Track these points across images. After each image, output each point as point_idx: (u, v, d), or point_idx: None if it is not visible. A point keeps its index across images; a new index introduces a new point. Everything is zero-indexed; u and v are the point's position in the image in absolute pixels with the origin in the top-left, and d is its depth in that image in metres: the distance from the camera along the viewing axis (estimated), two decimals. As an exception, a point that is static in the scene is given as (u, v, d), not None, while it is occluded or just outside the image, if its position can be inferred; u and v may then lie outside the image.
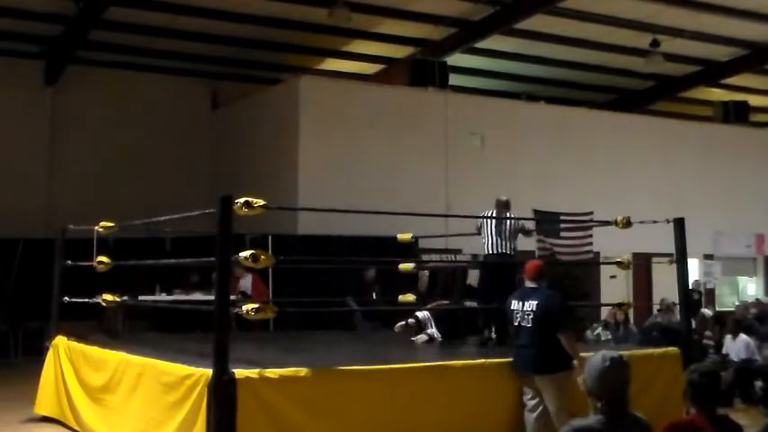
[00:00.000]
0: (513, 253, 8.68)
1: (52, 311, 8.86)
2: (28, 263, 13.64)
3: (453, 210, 13.07)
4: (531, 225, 9.37)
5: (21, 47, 16.24)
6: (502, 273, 8.89)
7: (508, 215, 8.74)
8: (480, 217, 8.75)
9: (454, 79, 17.35)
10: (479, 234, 8.80)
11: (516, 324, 6.43)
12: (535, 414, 6.34)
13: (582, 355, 6.81)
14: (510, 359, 6.71)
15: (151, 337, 10.75)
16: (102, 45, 16.10)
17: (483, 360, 6.73)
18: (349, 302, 10.79)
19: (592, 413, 3.47)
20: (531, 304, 6.32)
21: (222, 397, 5.45)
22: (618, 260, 8.77)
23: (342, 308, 10.95)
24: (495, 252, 8.56)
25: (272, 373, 5.74)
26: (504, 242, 8.62)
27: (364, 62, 17.87)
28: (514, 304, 6.48)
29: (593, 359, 3.54)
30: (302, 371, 5.85)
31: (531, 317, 6.28)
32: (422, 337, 8.82)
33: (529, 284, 6.59)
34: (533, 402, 6.38)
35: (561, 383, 6.18)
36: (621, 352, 3.65)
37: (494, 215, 8.67)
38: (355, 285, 11.55)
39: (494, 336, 8.47)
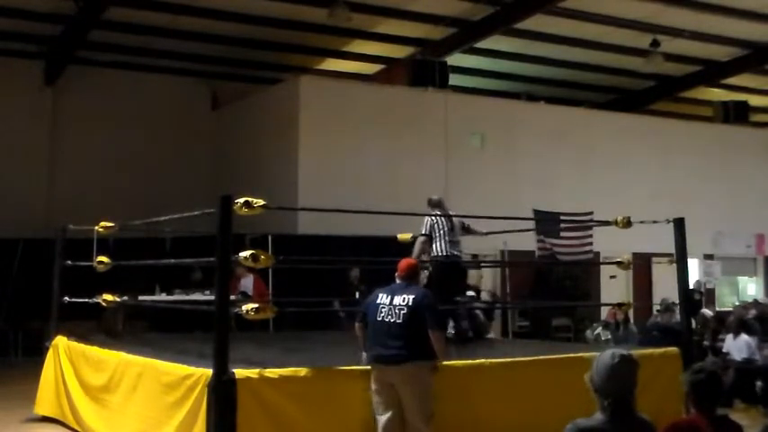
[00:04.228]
0: (460, 254, 8.76)
1: (52, 311, 8.86)
2: (28, 263, 13.66)
3: (453, 210, 13.05)
4: (475, 225, 9.22)
5: (21, 47, 16.25)
6: (454, 275, 8.99)
7: (449, 213, 8.82)
8: (453, 216, 8.80)
9: (454, 79, 17.35)
10: (428, 236, 8.71)
11: (380, 319, 5.91)
12: (387, 421, 5.81)
13: (584, 355, 6.82)
14: (511, 359, 6.71)
15: (151, 337, 10.74)
16: (102, 45, 16.11)
17: (482, 360, 6.72)
18: (334, 303, 10.92)
19: (597, 412, 3.43)
20: (405, 298, 5.87)
21: (222, 397, 5.45)
22: (618, 260, 8.76)
23: (327, 308, 11.11)
24: (446, 254, 8.57)
25: (272, 373, 5.74)
26: (455, 244, 8.67)
27: (364, 62, 17.88)
28: (381, 298, 5.98)
29: (603, 356, 3.49)
30: (302, 371, 5.85)
31: (403, 312, 5.83)
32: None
33: (400, 282, 6.14)
34: (383, 408, 5.83)
35: (423, 375, 5.80)
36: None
37: (441, 217, 8.70)
38: (339, 285, 11.60)
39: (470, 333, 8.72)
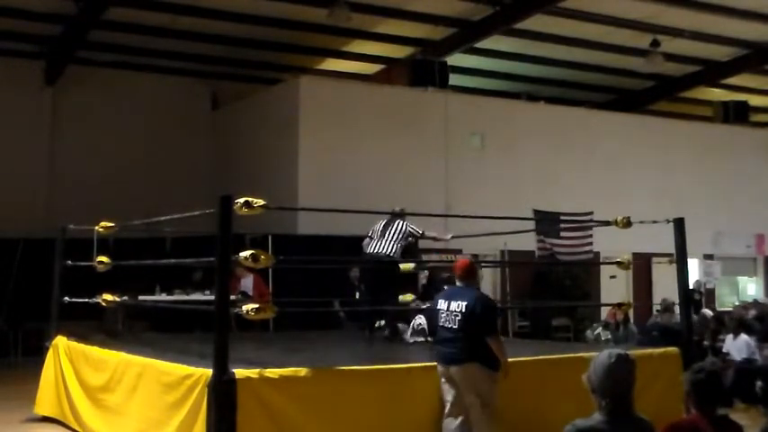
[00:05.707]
0: (393, 255, 9.01)
1: (52, 311, 8.86)
2: (28, 263, 13.65)
3: (453, 210, 13.08)
4: (425, 231, 9.41)
5: (21, 47, 16.25)
6: (372, 278, 9.62)
7: (399, 222, 9.10)
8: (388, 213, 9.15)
9: (454, 79, 17.35)
10: (369, 239, 9.16)
11: (441, 324, 6.14)
12: (457, 422, 6.01)
13: (584, 355, 6.82)
14: (511, 359, 6.70)
15: (151, 337, 10.75)
16: (102, 45, 16.11)
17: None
18: (335, 303, 10.98)
19: (596, 412, 3.43)
20: (458, 305, 6.01)
21: (222, 397, 5.45)
22: (618, 260, 8.77)
23: (327, 308, 11.17)
24: (374, 252, 8.96)
25: (272, 373, 5.74)
26: (384, 244, 8.98)
27: (364, 62, 17.87)
28: (440, 304, 6.17)
29: (599, 356, 3.51)
30: (302, 371, 5.85)
31: (457, 318, 5.98)
32: (418, 339, 8.80)
33: (458, 284, 6.28)
34: (453, 408, 6.05)
35: (481, 375, 5.91)
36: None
37: (385, 222, 9.12)
38: (339, 285, 11.65)
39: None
